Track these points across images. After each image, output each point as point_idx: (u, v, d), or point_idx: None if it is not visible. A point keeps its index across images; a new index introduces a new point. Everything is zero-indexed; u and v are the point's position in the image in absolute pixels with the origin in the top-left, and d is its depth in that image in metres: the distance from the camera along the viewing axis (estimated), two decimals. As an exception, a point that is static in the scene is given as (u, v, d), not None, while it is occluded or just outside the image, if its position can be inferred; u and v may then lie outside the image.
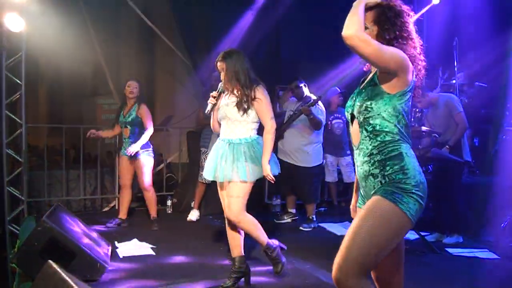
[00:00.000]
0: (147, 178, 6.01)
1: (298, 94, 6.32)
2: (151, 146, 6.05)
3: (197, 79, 7.85)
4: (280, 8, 7.83)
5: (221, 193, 3.97)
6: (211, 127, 4.14)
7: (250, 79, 3.79)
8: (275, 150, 6.30)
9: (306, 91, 6.32)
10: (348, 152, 7.22)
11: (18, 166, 6.43)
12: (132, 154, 5.80)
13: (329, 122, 7.10)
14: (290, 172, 6.18)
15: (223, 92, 3.92)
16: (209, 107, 3.91)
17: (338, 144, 7.18)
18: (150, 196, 6.14)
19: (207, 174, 3.94)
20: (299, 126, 6.19)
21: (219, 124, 4.00)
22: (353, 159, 6.77)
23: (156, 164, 7.15)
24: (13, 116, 6.39)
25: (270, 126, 3.79)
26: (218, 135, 6.36)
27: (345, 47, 2.22)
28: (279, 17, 7.89)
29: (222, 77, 3.86)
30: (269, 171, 3.74)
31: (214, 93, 3.90)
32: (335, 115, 7.21)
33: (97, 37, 8.62)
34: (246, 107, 3.75)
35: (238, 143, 3.80)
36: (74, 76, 10.80)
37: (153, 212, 6.20)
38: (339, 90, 7.26)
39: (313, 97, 6.11)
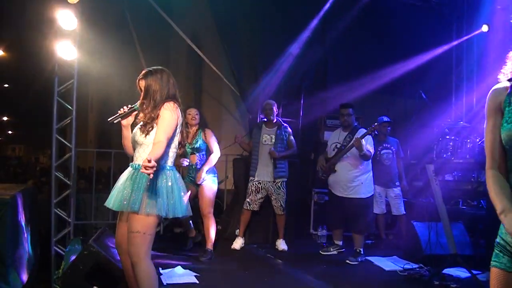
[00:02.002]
0: (210, 204, 5.80)
1: (348, 123, 6.16)
2: (216, 171, 5.96)
3: (244, 107, 7.86)
4: (327, 39, 7.77)
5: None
6: (124, 148, 3.71)
7: (165, 98, 3.46)
8: (323, 181, 6.21)
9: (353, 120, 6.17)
10: (397, 183, 6.99)
11: (66, 188, 6.51)
12: (202, 181, 5.73)
13: (377, 152, 6.92)
14: (341, 205, 6.02)
15: (137, 111, 3.55)
16: (114, 116, 3.52)
17: (387, 175, 6.97)
18: (210, 224, 5.81)
19: (107, 201, 3.49)
20: (350, 158, 5.99)
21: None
22: (402, 191, 6.65)
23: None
24: (63, 140, 6.52)
25: (162, 143, 3.30)
26: (264, 163, 6.41)
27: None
28: (326, 47, 7.83)
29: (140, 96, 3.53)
30: None
31: (125, 108, 3.54)
32: (384, 145, 7.02)
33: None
34: (150, 128, 3.41)
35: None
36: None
37: (209, 243, 5.84)
38: (387, 119, 7.07)
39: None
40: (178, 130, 3.50)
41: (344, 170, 6.03)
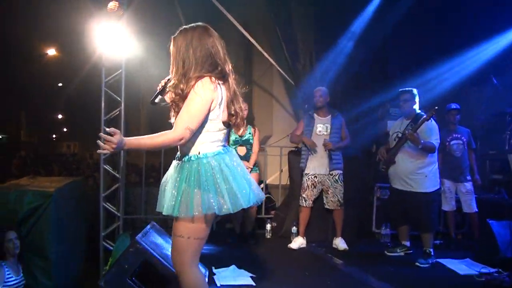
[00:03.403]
0: None
1: (403, 109, 5.64)
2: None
3: (298, 97, 7.40)
4: (388, 22, 7.21)
5: None
6: None
7: (197, 65, 2.72)
8: (385, 175, 5.69)
9: (416, 107, 5.59)
10: (469, 177, 6.36)
11: (115, 182, 6.32)
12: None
13: (446, 143, 6.32)
14: (403, 200, 5.52)
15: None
16: (153, 96, 2.91)
17: (457, 168, 6.36)
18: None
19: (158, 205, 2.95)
20: (411, 148, 5.46)
21: None
22: (474, 185, 6.06)
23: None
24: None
25: (179, 133, 2.63)
26: (316, 155, 5.97)
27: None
28: (386, 32, 7.27)
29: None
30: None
31: (162, 82, 2.90)
32: (454, 135, 6.41)
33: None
34: (180, 106, 2.69)
35: (183, 163, 2.79)
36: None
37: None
38: (456, 106, 6.45)
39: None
40: (220, 109, 2.77)
41: (405, 161, 5.52)
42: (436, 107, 5.26)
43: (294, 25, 7.27)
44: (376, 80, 7.33)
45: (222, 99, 2.77)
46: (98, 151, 2.55)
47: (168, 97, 2.89)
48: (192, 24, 2.82)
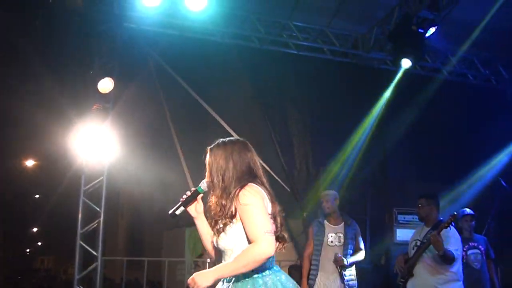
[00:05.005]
0: None
1: (421, 216, 5.10)
2: None
3: (296, 205, 6.91)
4: (386, 131, 7.22)
5: None
6: (207, 251, 2.79)
7: (238, 178, 2.53)
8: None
9: (437, 213, 5.06)
10: (490, 292, 5.68)
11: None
12: None
13: (463, 253, 5.70)
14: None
15: (202, 193, 2.69)
16: (175, 207, 2.67)
17: (477, 281, 5.68)
18: None
19: None
20: (431, 258, 4.84)
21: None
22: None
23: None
24: (88, 248, 5.88)
25: (261, 241, 2.34)
26: (328, 270, 5.26)
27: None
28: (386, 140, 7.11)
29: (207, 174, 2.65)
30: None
31: (188, 193, 2.70)
32: (470, 243, 5.81)
33: (183, 153, 8.03)
34: (223, 224, 2.46)
35: (233, 284, 2.47)
36: (159, 205, 10.19)
37: None
38: (470, 211, 5.92)
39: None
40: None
41: (424, 274, 4.85)
42: (456, 213, 4.74)
43: (290, 130, 7.01)
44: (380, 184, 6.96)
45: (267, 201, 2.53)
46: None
47: (193, 210, 2.72)
48: (231, 138, 2.69)
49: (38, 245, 38.36)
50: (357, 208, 6.57)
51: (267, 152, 7.56)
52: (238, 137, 2.73)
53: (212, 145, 2.65)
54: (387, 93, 7.36)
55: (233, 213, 2.44)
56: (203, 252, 10.73)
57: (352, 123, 7.30)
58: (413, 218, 5.78)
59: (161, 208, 10.69)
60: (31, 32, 6.40)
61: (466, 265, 5.70)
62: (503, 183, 6.86)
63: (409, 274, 4.96)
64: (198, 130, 8.62)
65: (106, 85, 5.59)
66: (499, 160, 7.39)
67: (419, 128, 7.27)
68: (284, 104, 7.33)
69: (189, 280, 2.36)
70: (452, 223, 4.77)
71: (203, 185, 2.64)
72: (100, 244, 5.88)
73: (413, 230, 5.52)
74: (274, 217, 2.55)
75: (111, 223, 12.01)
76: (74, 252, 5.87)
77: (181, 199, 2.65)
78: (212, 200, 2.55)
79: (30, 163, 20.96)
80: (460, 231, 5.81)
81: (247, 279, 2.42)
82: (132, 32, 5.99)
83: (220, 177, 2.53)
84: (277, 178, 7.25)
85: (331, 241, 5.29)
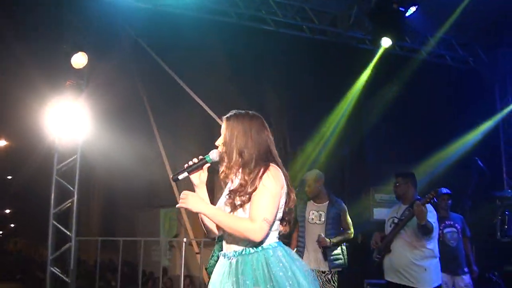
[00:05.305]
0: None
1: (397, 194, 5.17)
2: None
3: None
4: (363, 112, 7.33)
5: None
6: (203, 224, 2.66)
7: (258, 158, 2.47)
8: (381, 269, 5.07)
9: (414, 191, 5.08)
10: (466, 269, 5.79)
11: (65, 287, 5.79)
12: None
13: (440, 232, 5.74)
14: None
15: (210, 163, 2.58)
16: (178, 171, 2.58)
17: (453, 259, 5.76)
18: None
19: None
20: (409, 235, 4.89)
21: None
22: (471, 277, 5.48)
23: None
24: (62, 228, 5.75)
25: (256, 224, 2.34)
26: (312, 248, 5.22)
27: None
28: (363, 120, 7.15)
29: (218, 143, 2.58)
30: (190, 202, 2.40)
31: (195, 160, 2.58)
32: (447, 222, 5.89)
33: (159, 132, 7.87)
34: (242, 201, 2.42)
35: (242, 259, 2.42)
36: (133, 185, 10.03)
37: None
38: (447, 190, 5.97)
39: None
40: (283, 202, 2.48)
41: (401, 250, 4.91)
42: (437, 189, 4.77)
43: (267, 109, 6.92)
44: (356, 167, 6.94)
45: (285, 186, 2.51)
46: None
47: (197, 177, 2.60)
48: (248, 112, 2.60)
49: (10, 226, 37.78)
50: (334, 187, 6.53)
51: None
52: (253, 112, 2.62)
53: (229, 115, 2.57)
54: (366, 73, 7.32)
55: (254, 192, 2.40)
56: (178, 233, 10.69)
57: (330, 103, 7.24)
58: (390, 197, 5.76)
59: (136, 187, 10.55)
60: (1, 5, 6.16)
61: (442, 243, 5.77)
62: (480, 163, 6.95)
63: (386, 250, 5.01)
64: (173, 108, 8.47)
65: (79, 60, 5.41)
66: (472, 137, 7.52)
67: (397, 108, 7.25)
68: (261, 83, 7.22)
69: (183, 194, 2.40)
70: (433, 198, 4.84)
71: (213, 155, 2.55)
72: (74, 224, 5.77)
73: (390, 209, 5.56)
74: (286, 210, 2.53)
75: (85, 203, 11.82)
76: (47, 233, 5.74)
77: (186, 165, 2.56)
78: (226, 171, 2.51)
79: (1, 143, 20.49)
80: (436, 209, 5.88)
81: (253, 252, 2.40)
82: (106, 6, 5.78)
83: (239, 153, 2.48)
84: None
85: (312, 219, 5.30)
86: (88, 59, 5.49)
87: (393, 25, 6.29)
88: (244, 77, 7.27)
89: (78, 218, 5.96)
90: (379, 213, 5.76)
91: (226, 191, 2.52)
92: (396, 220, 5.04)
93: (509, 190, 7.14)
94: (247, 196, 2.40)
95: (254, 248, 2.40)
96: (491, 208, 6.66)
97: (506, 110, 8.10)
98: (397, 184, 5.15)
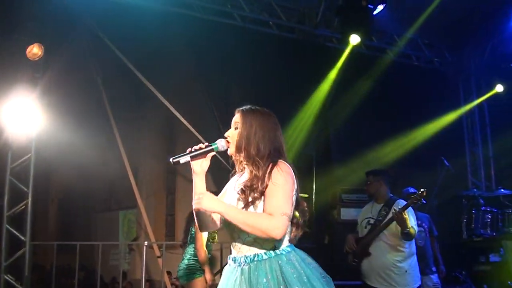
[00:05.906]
0: None
1: (369, 192, 5.10)
2: None
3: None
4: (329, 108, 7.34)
5: None
6: (196, 219, 2.52)
7: (271, 154, 2.41)
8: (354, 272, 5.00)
9: (384, 189, 5.01)
10: (434, 268, 5.78)
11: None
12: None
13: (406, 231, 5.73)
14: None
15: (215, 152, 2.45)
16: (180, 155, 2.39)
17: (421, 258, 5.66)
18: None
19: None
20: (388, 237, 4.80)
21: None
22: (439, 277, 5.45)
23: None
24: (16, 232, 5.57)
25: (277, 219, 2.25)
26: None
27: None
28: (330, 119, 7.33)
29: (230, 134, 2.49)
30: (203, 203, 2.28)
31: (201, 145, 2.44)
32: (415, 221, 5.84)
33: (119, 132, 7.61)
34: (255, 197, 2.33)
35: (254, 266, 2.31)
36: (92, 186, 9.70)
37: None
38: (413, 190, 5.93)
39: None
40: (295, 198, 2.39)
41: (381, 252, 4.80)
42: (423, 189, 4.72)
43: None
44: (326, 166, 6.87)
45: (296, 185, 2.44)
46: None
47: (198, 164, 2.44)
48: (262, 108, 2.57)
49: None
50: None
51: (209, 131, 7.31)
52: (266, 109, 2.58)
53: (245, 108, 2.52)
54: (333, 72, 7.28)
55: (265, 189, 2.33)
56: (137, 236, 10.42)
57: (297, 102, 7.17)
58: (357, 197, 5.69)
59: (95, 188, 10.22)
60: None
61: (410, 243, 5.75)
62: (446, 162, 6.99)
63: (365, 253, 4.88)
64: (134, 105, 8.22)
65: (35, 51, 5.13)
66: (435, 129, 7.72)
67: (363, 107, 7.24)
68: (227, 80, 7.05)
69: (198, 194, 2.31)
70: (401, 199, 4.76)
71: (221, 144, 2.43)
72: (28, 227, 5.58)
73: (357, 209, 5.46)
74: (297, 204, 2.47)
75: (40, 205, 11.39)
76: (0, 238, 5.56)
77: (190, 149, 2.41)
78: (243, 163, 2.47)
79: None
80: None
81: (265, 258, 2.32)
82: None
83: (256, 147, 2.42)
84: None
85: None
86: (45, 51, 5.23)
87: (362, 22, 6.27)
88: (209, 74, 7.09)
89: (33, 221, 5.76)
90: (346, 213, 5.69)
91: (232, 187, 2.47)
92: (372, 221, 4.93)
93: (475, 190, 7.22)
94: (259, 193, 2.33)
95: (267, 253, 2.32)
96: (457, 208, 6.69)
97: (469, 106, 8.25)
98: (368, 182, 5.06)
